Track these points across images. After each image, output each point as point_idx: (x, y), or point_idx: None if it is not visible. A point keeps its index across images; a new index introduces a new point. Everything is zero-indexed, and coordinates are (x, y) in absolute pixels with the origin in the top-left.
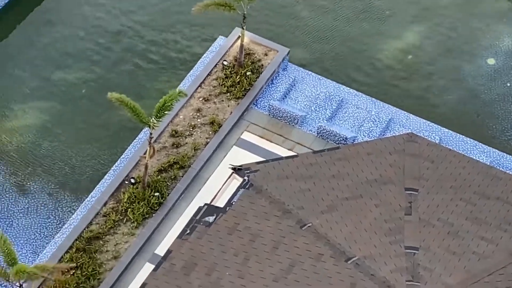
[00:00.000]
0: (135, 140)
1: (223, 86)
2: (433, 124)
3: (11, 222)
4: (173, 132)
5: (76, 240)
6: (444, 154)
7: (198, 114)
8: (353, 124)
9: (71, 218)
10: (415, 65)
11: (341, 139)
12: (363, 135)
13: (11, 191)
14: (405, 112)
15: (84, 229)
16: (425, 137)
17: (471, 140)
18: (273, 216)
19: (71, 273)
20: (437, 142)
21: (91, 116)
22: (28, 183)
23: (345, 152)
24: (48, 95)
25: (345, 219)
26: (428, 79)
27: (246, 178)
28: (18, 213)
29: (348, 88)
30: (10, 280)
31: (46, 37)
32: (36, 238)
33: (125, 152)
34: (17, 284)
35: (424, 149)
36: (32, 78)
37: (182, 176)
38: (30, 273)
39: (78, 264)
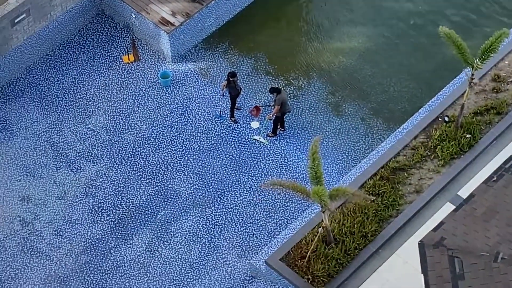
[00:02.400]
0: (454, 79)
1: None
2: None
3: (321, 141)
4: (496, 76)
5: (381, 168)
6: None
7: None
8: None
9: (379, 146)
10: None
11: None
12: None
13: (326, 110)
14: None
15: (391, 159)
16: None
17: None
18: None
19: (372, 199)
20: None
21: (415, 49)
22: (344, 105)
23: None
24: (375, 22)
25: None
26: None
27: None
28: (329, 133)
29: None
30: (310, 199)
31: None
32: (343, 159)
33: (443, 89)
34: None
35: None
36: (362, 4)
37: (498, 122)
38: (325, 198)
39: (380, 192)
